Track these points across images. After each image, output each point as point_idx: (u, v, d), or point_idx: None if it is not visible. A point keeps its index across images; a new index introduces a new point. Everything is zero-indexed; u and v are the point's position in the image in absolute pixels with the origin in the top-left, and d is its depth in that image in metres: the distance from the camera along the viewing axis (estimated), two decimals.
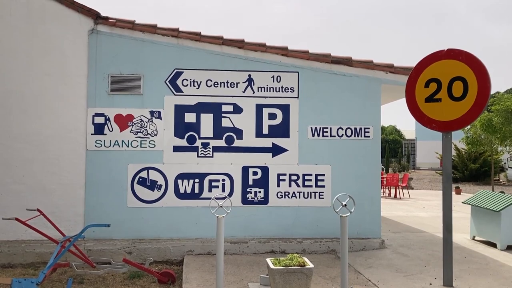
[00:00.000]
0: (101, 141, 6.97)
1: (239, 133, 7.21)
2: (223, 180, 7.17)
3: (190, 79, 7.13)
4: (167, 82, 7.09)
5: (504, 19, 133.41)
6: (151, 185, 7.04)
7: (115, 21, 6.98)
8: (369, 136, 7.39)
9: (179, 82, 7.11)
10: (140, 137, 7.04)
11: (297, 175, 7.28)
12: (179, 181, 7.09)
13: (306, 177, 7.28)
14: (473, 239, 8.36)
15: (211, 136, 7.16)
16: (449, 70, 4.01)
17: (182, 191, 7.09)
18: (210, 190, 7.12)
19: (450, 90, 4.02)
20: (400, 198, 17.03)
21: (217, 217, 4.85)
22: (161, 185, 7.05)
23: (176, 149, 7.10)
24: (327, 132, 7.33)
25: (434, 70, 4.12)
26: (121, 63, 7.02)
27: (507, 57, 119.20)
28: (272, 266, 4.72)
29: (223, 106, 7.19)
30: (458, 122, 3.96)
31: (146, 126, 7.05)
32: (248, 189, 7.20)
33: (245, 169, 7.21)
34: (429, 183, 26.92)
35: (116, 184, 6.96)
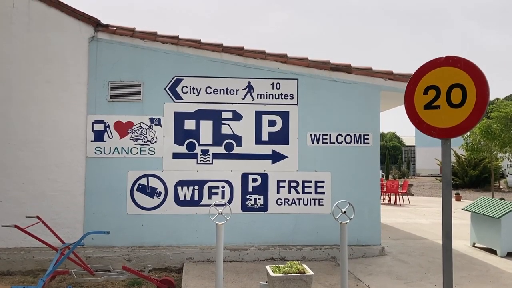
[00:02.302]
0: (101, 148, 6.98)
1: (238, 140, 7.22)
2: (223, 187, 7.17)
3: (190, 86, 7.16)
4: (167, 89, 7.12)
5: (502, 26, 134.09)
6: (151, 192, 7.04)
7: (115, 28, 7.01)
8: (368, 143, 7.40)
9: (179, 89, 7.14)
10: (140, 144, 7.05)
11: (297, 182, 7.28)
12: (179, 188, 7.09)
13: (306, 184, 7.28)
14: (473, 246, 8.35)
15: (211, 143, 7.17)
16: (448, 77, 4.01)
17: (181, 198, 7.09)
18: (209, 197, 7.12)
19: (449, 97, 4.03)
20: (400, 204, 17.00)
21: (217, 224, 4.85)
22: (160, 192, 7.05)
23: (176, 156, 7.11)
24: (326, 139, 7.34)
25: (433, 77, 4.12)
26: (121, 70, 7.05)
27: (506, 64, 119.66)
28: (271, 273, 4.70)
29: (222, 113, 7.21)
30: (457, 129, 3.95)
31: (146, 133, 7.07)
32: (247, 196, 7.20)
33: (244, 176, 7.21)
34: (429, 189, 26.88)
35: (116, 191, 6.96)
